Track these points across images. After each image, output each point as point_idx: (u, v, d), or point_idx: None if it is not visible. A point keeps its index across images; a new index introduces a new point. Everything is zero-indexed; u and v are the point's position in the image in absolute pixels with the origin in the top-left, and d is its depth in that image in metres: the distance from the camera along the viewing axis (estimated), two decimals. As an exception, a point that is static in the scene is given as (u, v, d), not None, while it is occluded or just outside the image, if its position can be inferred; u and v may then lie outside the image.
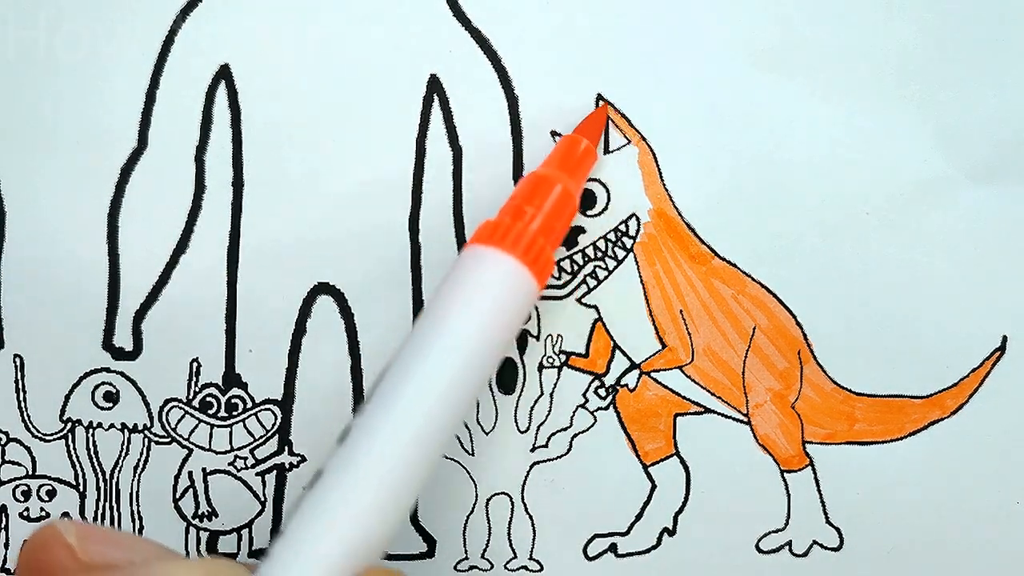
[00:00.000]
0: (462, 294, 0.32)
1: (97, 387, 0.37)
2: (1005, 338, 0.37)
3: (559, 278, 0.37)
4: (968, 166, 0.37)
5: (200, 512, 0.38)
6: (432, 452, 0.30)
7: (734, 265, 0.37)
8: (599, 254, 0.37)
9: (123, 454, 0.37)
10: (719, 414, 0.38)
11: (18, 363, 0.37)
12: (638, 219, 0.37)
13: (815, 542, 0.38)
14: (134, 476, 0.37)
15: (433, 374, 0.30)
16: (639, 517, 0.38)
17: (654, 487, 0.38)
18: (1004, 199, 0.37)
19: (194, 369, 0.37)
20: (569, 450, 0.38)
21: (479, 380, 0.31)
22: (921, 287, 0.37)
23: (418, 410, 0.30)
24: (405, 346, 0.31)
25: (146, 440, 0.37)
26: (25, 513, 0.38)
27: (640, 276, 0.37)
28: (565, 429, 0.38)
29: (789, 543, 0.38)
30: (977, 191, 0.37)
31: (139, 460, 0.37)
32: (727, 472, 0.38)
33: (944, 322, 0.37)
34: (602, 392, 0.37)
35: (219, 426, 0.37)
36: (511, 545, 0.38)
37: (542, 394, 0.37)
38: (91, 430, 0.37)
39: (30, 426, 0.37)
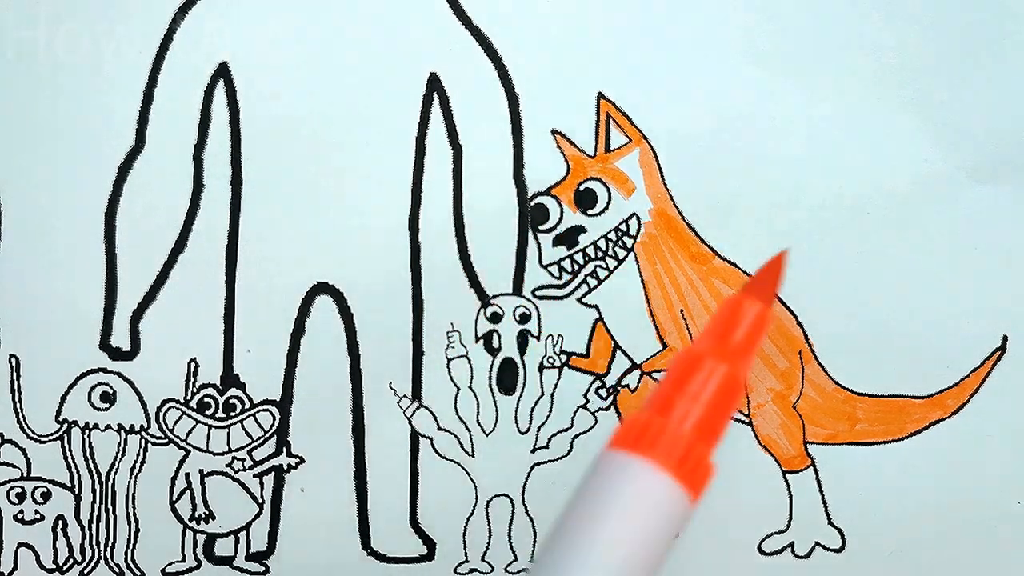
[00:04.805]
0: (607, 523, 0.27)
1: (94, 387, 0.37)
2: (1005, 338, 0.37)
3: (559, 277, 0.37)
4: (968, 166, 0.37)
5: (197, 514, 0.37)
6: None
7: (734, 265, 0.37)
8: (600, 253, 0.37)
9: (119, 455, 0.37)
10: (720, 414, 0.37)
11: (14, 363, 0.37)
12: (639, 218, 0.37)
13: (817, 543, 0.38)
14: (130, 478, 0.37)
15: None
16: (640, 519, 0.37)
17: (655, 488, 0.37)
18: (1004, 199, 0.37)
19: (192, 369, 0.37)
20: (570, 451, 0.37)
21: None
22: (921, 287, 0.37)
23: None
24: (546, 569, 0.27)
25: (143, 441, 0.37)
26: (20, 516, 0.37)
27: (641, 276, 0.37)
28: (566, 430, 0.37)
29: (791, 544, 0.38)
30: (977, 191, 0.37)
31: (136, 461, 0.37)
32: (729, 473, 0.37)
33: (944, 322, 0.37)
34: (603, 392, 0.37)
35: (217, 427, 0.37)
36: (512, 547, 0.38)
37: (543, 395, 0.37)
38: (87, 431, 0.37)
39: (25, 427, 0.37)
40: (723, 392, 0.28)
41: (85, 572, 0.37)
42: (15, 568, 0.37)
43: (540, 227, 0.37)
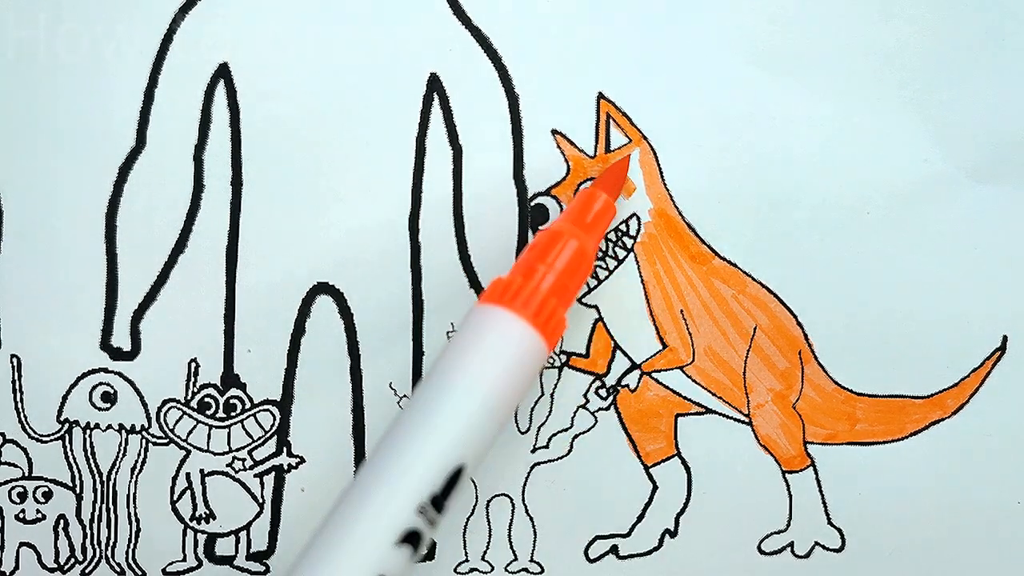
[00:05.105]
0: (471, 358, 0.32)
1: (95, 387, 0.37)
2: (1005, 338, 0.37)
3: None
4: (968, 166, 0.37)
5: (198, 514, 0.37)
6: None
7: (734, 265, 0.37)
8: (600, 254, 0.37)
9: (120, 455, 0.37)
10: (720, 414, 0.38)
11: (15, 363, 0.37)
12: (639, 219, 0.37)
13: (817, 543, 0.38)
14: (131, 477, 0.37)
15: (439, 439, 0.31)
16: (640, 518, 0.38)
17: (655, 488, 0.38)
18: (1004, 199, 0.37)
19: (192, 369, 0.37)
20: (570, 451, 0.37)
21: (484, 439, 0.31)
22: (921, 287, 0.37)
23: (421, 476, 0.30)
24: (412, 406, 0.31)
25: (144, 441, 0.37)
26: (21, 515, 0.37)
27: (641, 276, 0.37)
28: (566, 430, 0.37)
29: (791, 544, 0.38)
30: (977, 191, 0.37)
31: (137, 461, 0.37)
32: (728, 473, 0.38)
33: (944, 322, 0.37)
34: (603, 392, 0.37)
35: (217, 427, 0.37)
36: (512, 547, 0.38)
37: (543, 395, 0.37)
38: (88, 431, 0.37)
39: (27, 427, 0.37)
40: (575, 260, 0.33)
41: (86, 571, 0.38)
42: (16, 567, 0.37)
43: (540, 227, 0.37)
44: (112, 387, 0.37)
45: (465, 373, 0.31)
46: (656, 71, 0.37)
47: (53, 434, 0.37)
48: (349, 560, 0.29)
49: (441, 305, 0.37)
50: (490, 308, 0.32)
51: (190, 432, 0.37)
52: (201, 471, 0.37)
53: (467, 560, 0.38)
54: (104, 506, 0.37)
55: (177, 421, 0.37)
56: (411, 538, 0.30)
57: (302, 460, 0.37)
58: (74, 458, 0.37)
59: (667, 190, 0.37)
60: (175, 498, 0.37)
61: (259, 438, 0.37)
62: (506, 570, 0.38)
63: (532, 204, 0.37)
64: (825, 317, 0.37)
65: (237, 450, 0.37)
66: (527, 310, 0.32)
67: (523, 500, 0.37)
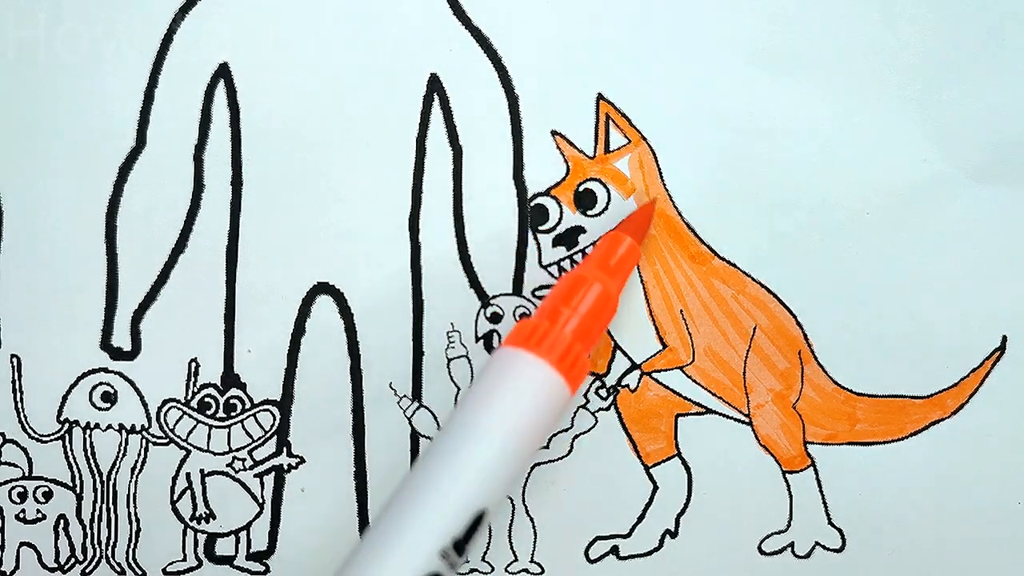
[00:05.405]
0: (496, 402, 0.32)
1: (95, 387, 0.37)
2: (1005, 338, 0.37)
3: (559, 278, 0.37)
4: (968, 166, 0.37)
5: (198, 514, 0.37)
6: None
7: (734, 265, 0.37)
8: (600, 254, 0.37)
9: (121, 455, 0.37)
10: (720, 415, 0.38)
11: (15, 363, 0.37)
12: (638, 219, 0.37)
13: (817, 543, 0.38)
14: (131, 477, 0.37)
15: (462, 484, 0.31)
16: (641, 519, 0.38)
17: (656, 488, 0.38)
18: (1004, 199, 0.37)
19: (192, 369, 0.37)
20: (570, 451, 0.37)
21: (507, 483, 0.32)
22: (921, 287, 0.37)
23: (443, 519, 0.31)
24: (435, 449, 0.32)
25: (144, 441, 0.37)
26: (21, 515, 0.37)
27: (640, 276, 0.37)
28: (566, 430, 0.37)
29: (791, 544, 0.38)
30: (977, 191, 0.37)
31: (137, 461, 0.37)
32: (729, 473, 0.38)
33: (944, 322, 0.37)
34: (603, 392, 0.37)
35: (217, 427, 0.37)
36: (512, 547, 0.38)
37: (542, 395, 0.37)
38: (88, 431, 0.37)
39: (27, 427, 0.37)
40: (599, 304, 0.34)
41: (86, 571, 0.38)
42: (17, 567, 0.38)
43: (540, 227, 0.37)
44: (112, 387, 0.37)
45: (490, 417, 0.32)
46: (656, 71, 0.37)
47: (53, 434, 0.37)
48: None
49: (441, 305, 0.37)
50: (515, 351, 0.33)
51: (190, 432, 0.37)
52: (201, 471, 0.37)
53: (467, 561, 0.38)
54: (104, 506, 0.37)
55: (177, 421, 0.37)
56: None
57: (302, 460, 0.37)
58: (74, 458, 0.37)
59: (666, 190, 0.37)
60: (175, 498, 0.37)
61: (259, 438, 0.37)
62: (506, 571, 0.38)
63: (532, 204, 0.37)
64: (825, 317, 0.37)
65: (237, 450, 0.37)
66: (552, 354, 0.33)
67: (523, 500, 0.37)
